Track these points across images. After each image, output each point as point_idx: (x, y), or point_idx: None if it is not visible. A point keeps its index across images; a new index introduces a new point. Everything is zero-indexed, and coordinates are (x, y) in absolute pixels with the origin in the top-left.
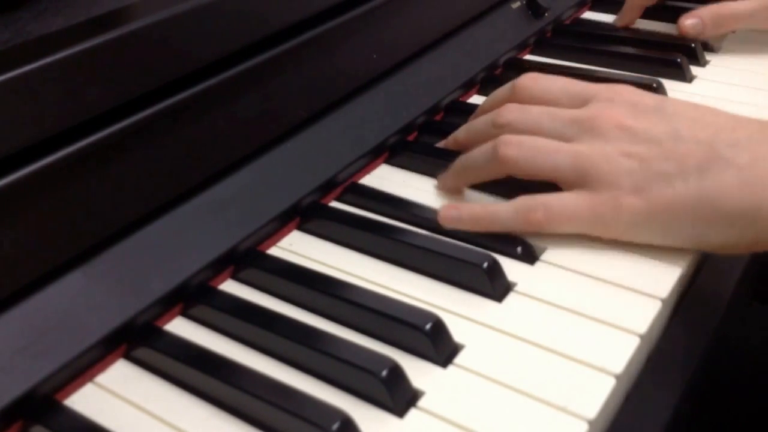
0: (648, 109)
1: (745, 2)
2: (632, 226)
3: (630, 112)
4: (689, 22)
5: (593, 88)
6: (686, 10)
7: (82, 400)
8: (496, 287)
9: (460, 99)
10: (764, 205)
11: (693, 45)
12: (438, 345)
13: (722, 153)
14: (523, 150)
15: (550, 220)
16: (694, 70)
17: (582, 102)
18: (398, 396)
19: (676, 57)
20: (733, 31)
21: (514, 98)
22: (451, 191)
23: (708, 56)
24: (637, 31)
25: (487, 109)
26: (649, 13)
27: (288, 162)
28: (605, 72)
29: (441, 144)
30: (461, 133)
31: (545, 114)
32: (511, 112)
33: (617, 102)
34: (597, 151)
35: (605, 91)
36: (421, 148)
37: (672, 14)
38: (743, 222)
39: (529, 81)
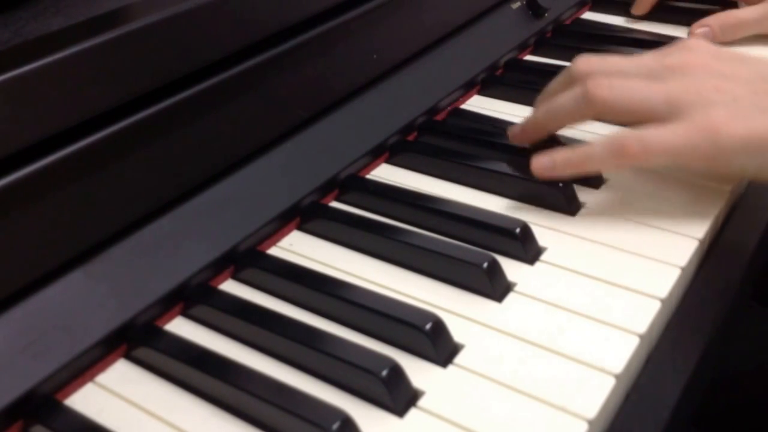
0: (727, 56)
1: (751, 9)
2: (729, 151)
3: (713, 57)
4: (700, 31)
5: (666, 49)
6: (685, 10)
7: (82, 400)
8: (496, 287)
9: (460, 99)
10: None
11: None
12: (438, 345)
13: None
14: (614, 90)
15: (645, 151)
16: None
17: (660, 60)
18: (398, 396)
19: None
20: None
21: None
22: (531, 141)
23: None
24: (637, 31)
25: (549, 91)
26: (649, 14)
27: (288, 162)
28: None
29: (513, 132)
30: (540, 113)
31: (627, 60)
32: (589, 63)
33: (698, 51)
34: (690, 88)
35: (681, 45)
36: (421, 148)
37: (671, 15)
38: None
39: (584, 62)
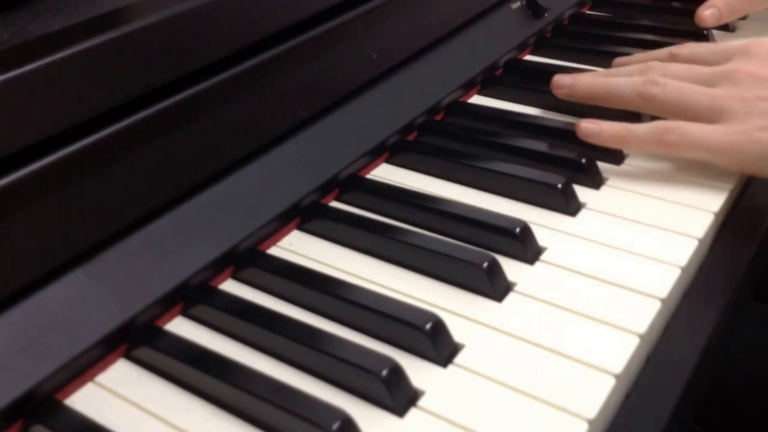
0: None
1: None
2: (756, 157)
3: (766, 63)
4: (707, 12)
5: (735, 45)
6: (683, 10)
7: (82, 400)
8: (496, 287)
9: (460, 99)
10: None
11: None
12: (438, 345)
13: None
14: (666, 90)
15: (682, 143)
16: None
17: (725, 59)
18: (398, 396)
19: None
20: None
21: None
22: (583, 100)
23: None
24: (637, 31)
25: (622, 71)
26: (647, 14)
27: (288, 162)
28: None
29: (559, 83)
30: (597, 85)
31: (685, 69)
32: (654, 70)
33: (754, 55)
34: (734, 96)
35: (745, 47)
36: (421, 148)
37: (670, 15)
38: None
39: (678, 47)
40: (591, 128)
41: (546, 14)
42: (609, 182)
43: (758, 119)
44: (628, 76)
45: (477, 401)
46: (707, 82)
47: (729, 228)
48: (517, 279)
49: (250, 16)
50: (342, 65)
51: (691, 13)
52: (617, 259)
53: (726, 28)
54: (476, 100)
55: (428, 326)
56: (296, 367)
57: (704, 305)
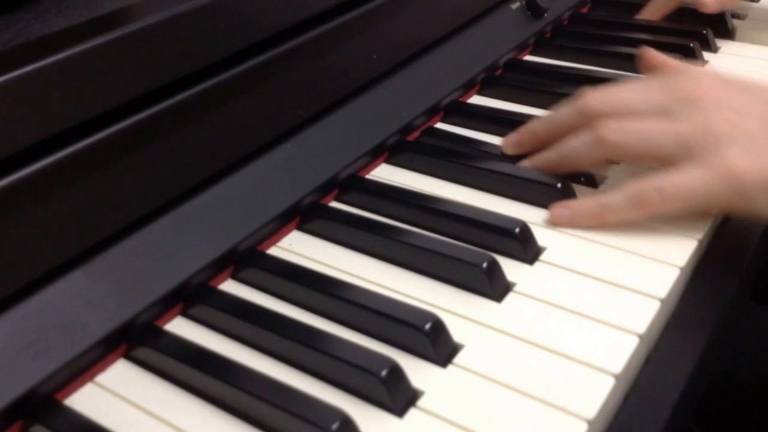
0: (737, 87)
1: None
2: (749, 193)
3: (723, 89)
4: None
5: (672, 74)
6: (686, 12)
7: (82, 400)
8: (495, 287)
9: (460, 99)
10: None
11: (691, 45)
12: (437, 345)
13: None
14: (627, 134)
15: (664, 201)
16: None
17: (657, 95)
18: (398, 396)
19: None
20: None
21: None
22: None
23: (707, 56)
24: (636, 31)
25: (554, 121)
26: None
27: (288, 162)
28: (605, 72)
29: (509, 140)
30: (539, 127)
31: (634, 94)
32: (598, 101)
33: (707, 81)
34: (700, 125)
35: (686, 71)
36: (421, 148)
37: (671, 15)
38: None
39: (592, 99)
40: (563, 214)
41: (546, 14)
42: (608, 181)
43: (736, 148)
44: (567, 120)
45: (476, 401)
46: (665, 112)
47: (728, 227)
48: (517, 279)
49: (250, 17)
50: (342, 65)
51: (688, 13)
52: (617, 258)
53: (726, 31)
54: (476, 100)
55: (428, 326)
56: (296, 367)
57: (704, 305)
